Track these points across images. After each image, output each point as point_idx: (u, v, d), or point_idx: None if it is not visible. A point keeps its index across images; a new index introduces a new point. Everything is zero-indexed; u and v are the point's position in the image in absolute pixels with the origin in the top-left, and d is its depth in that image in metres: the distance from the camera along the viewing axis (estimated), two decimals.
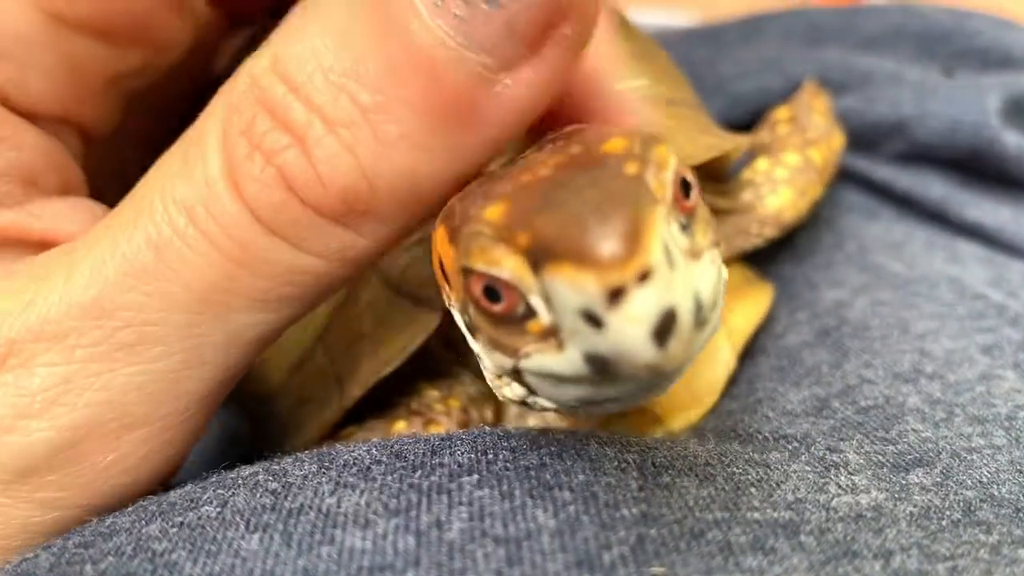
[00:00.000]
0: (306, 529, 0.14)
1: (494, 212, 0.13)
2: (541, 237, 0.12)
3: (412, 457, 0.16)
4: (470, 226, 0.13)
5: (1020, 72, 0.34)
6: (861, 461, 0.17)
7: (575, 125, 0.15)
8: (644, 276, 0.11)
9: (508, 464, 0.15)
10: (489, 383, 0.16)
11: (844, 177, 0.32)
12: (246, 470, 0.16)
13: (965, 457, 0.18)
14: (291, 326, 0.19)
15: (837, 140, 0.29)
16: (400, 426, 0.22)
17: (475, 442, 0.16)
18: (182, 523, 0.15)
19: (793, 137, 0.28)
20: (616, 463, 0.15)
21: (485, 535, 0.14)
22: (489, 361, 0.15)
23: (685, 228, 0.13)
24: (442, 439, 0.17)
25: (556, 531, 0.14)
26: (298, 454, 0.17)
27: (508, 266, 0.12)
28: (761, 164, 0.27)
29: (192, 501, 0.15)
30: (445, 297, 0.16)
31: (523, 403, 0.15)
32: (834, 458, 0.17)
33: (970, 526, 0.15)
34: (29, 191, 0.17)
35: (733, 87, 0.32)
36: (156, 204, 0.14)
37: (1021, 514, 0.16)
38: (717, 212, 0.26)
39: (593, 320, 0.12)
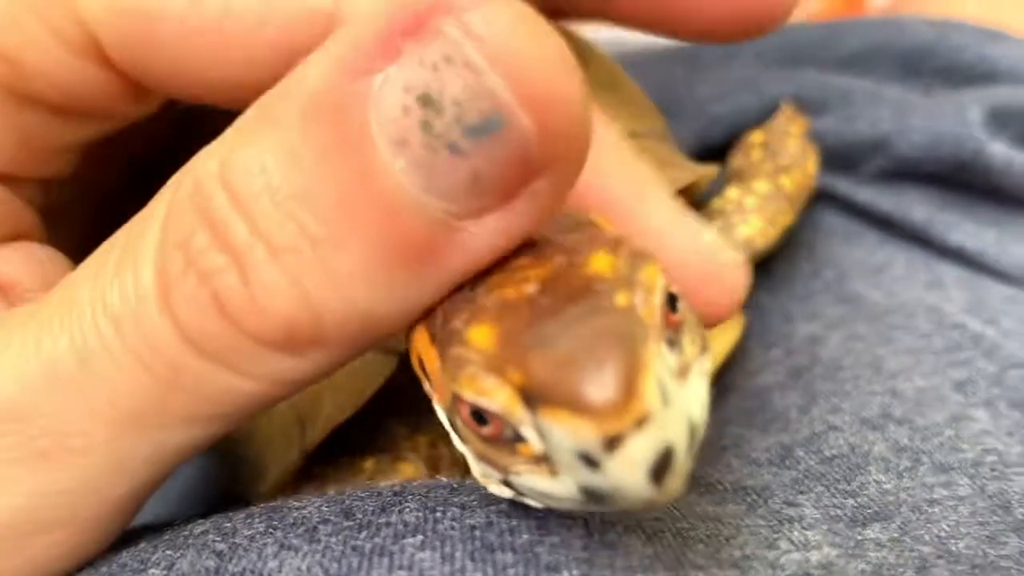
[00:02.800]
0: None
1: (481, 337, 0.13)
2: (536, 379, 0.12)
3: (360, 515, 0.16)
4: (456, 347, 0.13)
5: (1001, 86, 0.33)
6: (817, 515, 0.17)
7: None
8: (641, 421, 0.11)
9: (454, 524, 0.15)
10: (475, 477, 0.16)
11: (825, 199, 0.31)
12: (198, 527, 0.16)
13: (926, 510, 0.17)
14: None
15: (811, 164, 0.28)
16: (368, 464, 0.22)
17: (426, 498, 0.16)
18: None
19: (765, 164, 0.28)
20: (564, 519, 0.15)
21: None
22: (477, 467, 0.15)
23: (673, 344, 0.13)
24: (395, 494, 0.17)
25: None
26: (251, 509, 0.17)
27: (499, 399, 0.12)
28: (732, 192, 0.27)
29: (141, 563, 0.15)
30: (427, 392, 0.15)
31: (511, 501, 0.15)
32: (790, 512, 0.17)
33: None
34: None
35: (710, 108, 0.32)
36: (85, 308, 0.14)
37: (976, 570, 0.16)
38: None
39: (590, 461, 0.12)
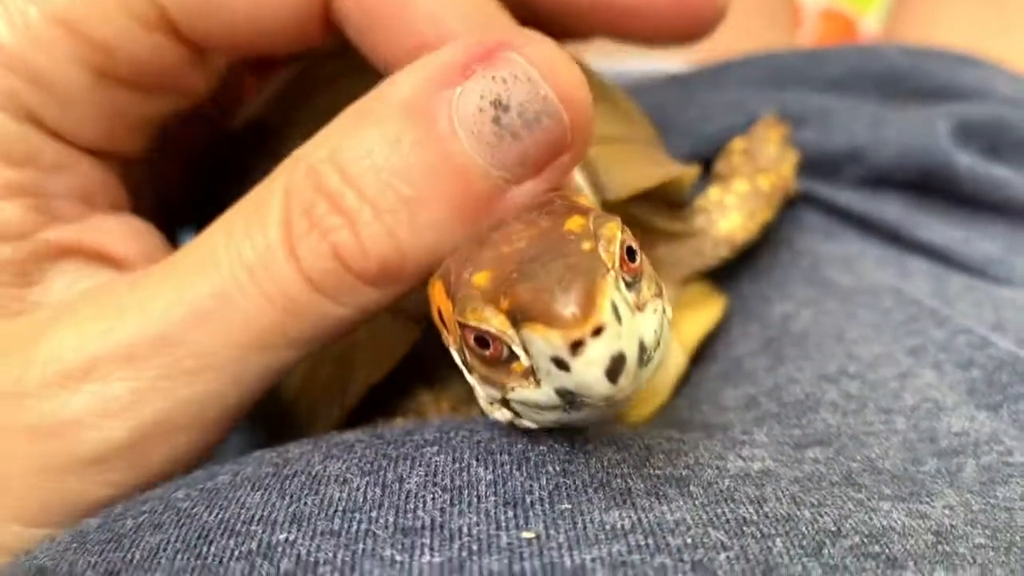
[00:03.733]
0: (297, 487, 0.18)
1: (481, 279, 0.17)
2: (519, 302, 0.16)
3: (389, 436, 0.20)
4: (464, 290, 0.17)
5: (969, 102, 0.37)
6: (766, 440, 0.20)
7: (547, 195, 0.19)
8: (598, 331, 0.15)
9: (464, 439, 0.19)
10: (482, 407, 0.20)
11: (807, 201, 0.35)
12: (257, 452, 0.20)
13: (862, 439, 0.21)
14: None
15: (787, 167, 0.32)
16: (398, 423, 0.26)
17: (442, 425, 0.20)
18: (202, 488, 0.19)
19: (745, 166, 0.31)
20: (551, 440, 0.19)
21: (436, 485, 0.17)
22: (482, 392, 0.19)
23: (631, 286, 0.17)
24: (417, 424, 0.21)
25: (492, 482, 0.17)
26: (300, 440, 0.21)
27: (494, 323, 0.16)
28: (713, 193, 0.30)
29: (211, 474, 0.19)
30: (444, 339, 0.20)
31: (511, 424, 0.19)
32: (743, 438, 0.20)
33: (845, 486, 0.18)
34: (86, 209, 0.22)
35: (700, 128, 0.36)
36: (222, 261, 0.19)
37: (896, 480, 0.19)
38: (675, 235, 0.29)
39: (561, 364, 0.16)
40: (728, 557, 0.16)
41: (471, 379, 0.19)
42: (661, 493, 0.17)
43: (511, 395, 0.17)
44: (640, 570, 0.15)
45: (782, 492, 0.18)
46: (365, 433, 0.20)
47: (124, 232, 0.22)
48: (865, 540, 0.17)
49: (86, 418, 0.19)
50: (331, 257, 0.18)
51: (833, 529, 0.17)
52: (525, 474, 0.17)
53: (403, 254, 0.18)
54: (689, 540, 0.16)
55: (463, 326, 0.17)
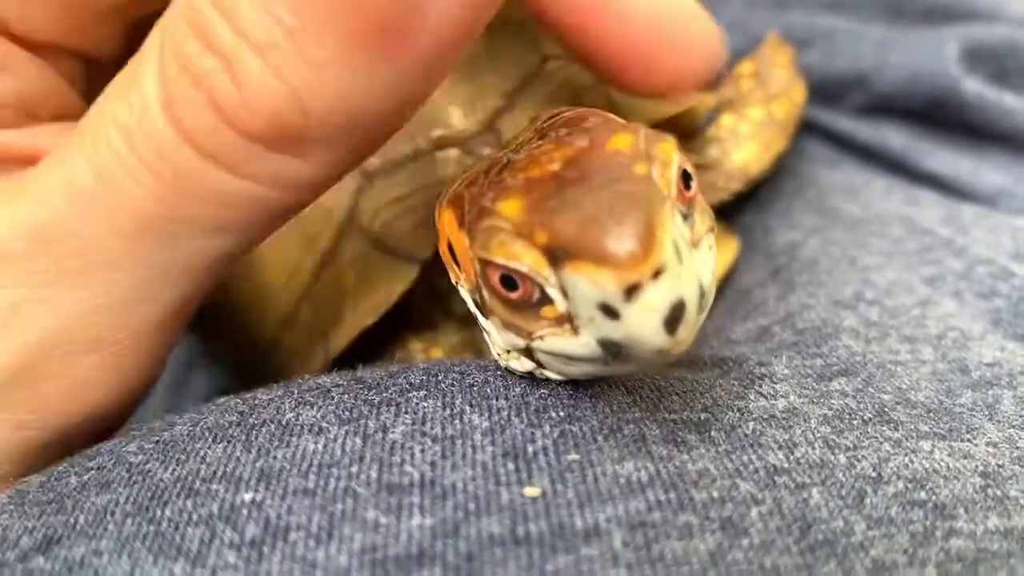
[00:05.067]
0: (265, 438, 0.16)
1: (510, 208, 0.14)
2: (561, 237, 0.13)
3: (370, 380, 0.17)
4: (487, 220, 0.14)
5: (980, 23, 0.34)
6: (787, 372, 0.18)
7: (571, 111, 0.16)
8: (657, 273, 0.13)
9: (455, 382, 0.17)
10: (495, 355, 0.17)
11: (807, 129, 0.33)
12: (221, 399, 0.18)
13: (890, 368, 0.19)
14: (267, 272, 0.20)
15: (799, 93, 0.30)
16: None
17: (429, 367, 0.18)
18: (157, 441, 0.16)
19: (756, 92, 0.29)
20: (553, 381, 0.17)
21: (424, 435, 0.15)
22: (500, 339, 0.16)
23: (686, 218, 0.14)
24: (401, 366, 0.18)
25: (488, 430, 0.15)
26: (269, 384, 0.18)
27: (527, 260, 0.14)
28: (726, 120, 0.28)
29: (169, 424, 0.17)
30: (452, 277, 0.17)
31: (529, 374, 0.17)
32: (761, 371, 0.18)
33: (879, 424, 0.17)
34: (24, 117, 0.18)
35: None
36: (99, 128, 0.15)
37: (932, 414, 0.17)
38: None
39: (609, 311, 0.13)
40: (760, 512, 0.14)
41: (486, 324, 0.16)
42: (680, 440, 0.15)
43: (538, 344, 0.15)
44: (662, 530, 0.13)
45: (813, 434, 0.16)
46: (343, 377, 0.18)
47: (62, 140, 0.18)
48: (909, 486, 0.15)
49: None
50: (208, 110, 0.14)
51: (873, 475, 0.15)
52: (526, 421, 0.15)
53: (300, 104, 0.14)
54: (716, 494, 0.14)
55: (485, 263, 0.14)
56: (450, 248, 0.16)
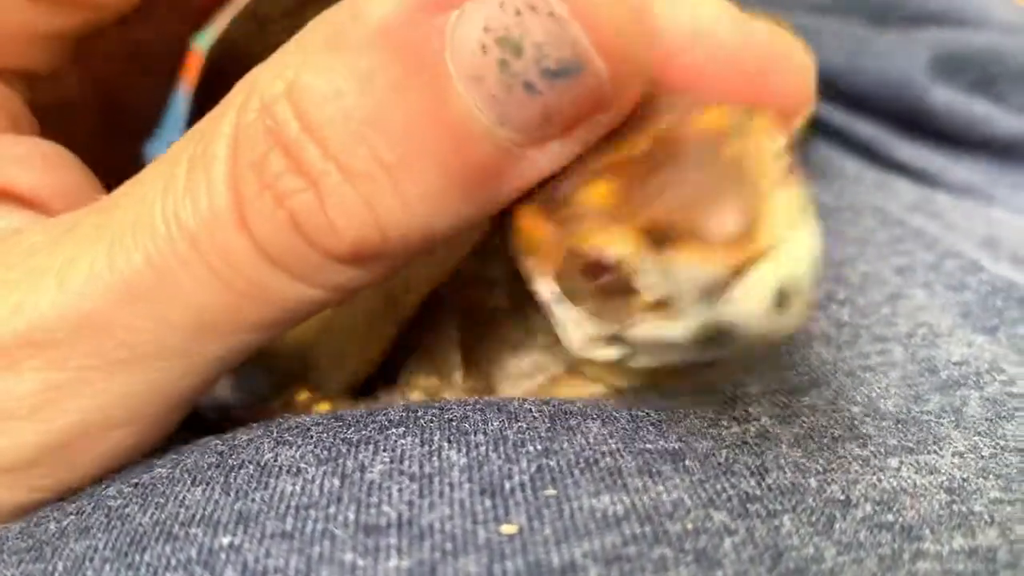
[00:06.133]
0: (244, 480, 0.16)
1: (600, 192, 0.13)
2: (661, 218, 0.13)
3: (349, 418, 0.18)
4: (575, 206, 0.14)
5: (964, 29, 0.35)
6: (760, 390, 0.18)
7: (648, 93, 0.15)
8: (766, 251, 0.12)
9: (434, 418, 0.17)
10: (571, 349, 0.16)
11: None
12: (202, 439, 0.18)
13: (859, 375, 0.19)
14: None
15: None
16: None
17: (408, 406, 0.18)
18: (136, 483, 0.16)
19: None
20: (531, 414, 0.17)
21: (402, 473, 0.15)
22: (587, 329, 0.15)
23: (787, 193, 0.14)
24: (382, 405, 0.18)
25: (466, 467, 0.15)
26: (250, 423, 0.18)
27: (621, 246, 0.13)
28: None
29: (148, 466, 0.17)
30: (528, 272, 0.16)
31: (618, 363, 0.16)
32: (736, 392, 0.18)
33: (849, 441, 0.17)
34: None
35: None
36: (158, 223, 0.14)
37: (900, 425, 0.18)
38: None
39: (715, 294, 0.13)
40: (734, 543, 0.14)
41: (569, 315, 0.16)
42: (655, 471, 0.15)
43: (632, 332, 0.14)
44: (637, 564, 0.13)
45: (784, 459, 0.16)
46: (323, 415, 0.18)
47: (32, 159, 0.18)
48: (877, 508, 0.15)
49: None
50: (289, 229, 0.14)
51: (842, 498, 0.15)
52: (503, 456, 0.16)
53: (385, 232, 0.14)
54: (690, 526, 0.14)
55: (574, 251, 0.14)
56: (527, 242, 0.16)
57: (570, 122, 0.13)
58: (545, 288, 0.16)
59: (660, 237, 0.13)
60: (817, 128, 0.32)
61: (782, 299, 0.13)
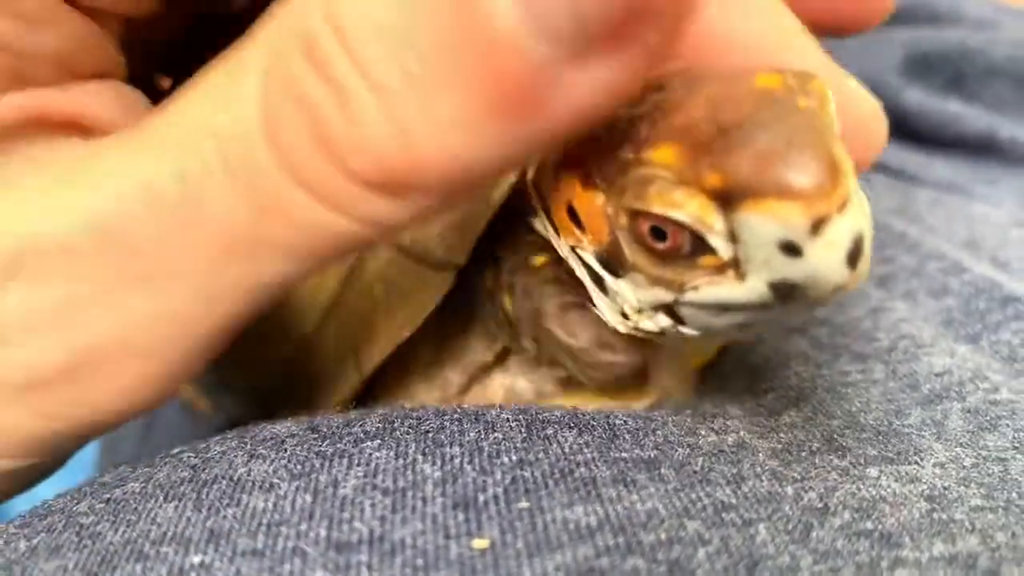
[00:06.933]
0: (216, 496, 0.15)
1: (666, 155, 0.13)
2: (737, 176, 0.13)
3: (325, 429, 0.17)
4: (639, 169, 0.14)
5: (936, 27, 0.35)
6: (739, 412, 0.18)
7: (676, 67, 0.15)
8: (843, 205, 0.13)
9: (410, 429, 0.17)
10: (611, 321, 0.17)
11: None
12: (175, 450, 0.18)
13: (840, 391, 0.19)
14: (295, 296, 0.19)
15: None
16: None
17: (386, 414, 0.18)
18: (108, 499, 0.16)
19: None
20: (508, 423, 0.17)
21: (376, 488, 0.15)
22: (636, 297, 0.15)
23: None
24: (360, 413, 0.18)
25: (440, 480, 0.15)
26: (225, 432, 0.18)
27: (690, 208, 0.13)
28: None
29: (120, 480, 0.17)
30: (568, 244, 0.16)
31: (660, 333, 0.16)
32: (715, 411, 0.18)
33: (827, 452, 0.17)
34: (62, 73, 0.17)
35: None
36: (189, 131, 0.14)
37: (880, 436, 0.17)
38: None
39: (791, 250, 0.13)
40: (708, 552, 0.14)
41: (616, 285, 0.16)
42: (629, 480, 0.15)
43: (691, 296, 0.14)
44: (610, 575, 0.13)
45: (761, 467, 0.16)
46: (298, 425, 0.18)
47: (107, 100, 0.17)
48: (856, 516, 0.15)
49: (11, 330, 0.15)
50: (312, 139, 0.13)
51: (820, 506, 0.15)
52: (478, 468, 0.15)
53: (414, 155, 0.13)
54: (663, 536, 0.14)
55: (638, 215, 0.14)
56: (573, 213, 0.15)
57: (608, 33, 0.12)
58: (590, 261, 0.16)
59: (736, 194, 0.13)
60: None
61: (856, 252, 0.13)
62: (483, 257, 0.20)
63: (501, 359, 0.22)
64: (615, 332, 0.17)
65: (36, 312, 0.15)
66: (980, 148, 0.32)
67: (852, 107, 0.17)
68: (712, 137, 0.13)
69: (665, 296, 0.15)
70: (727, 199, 0.13)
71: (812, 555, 0.14)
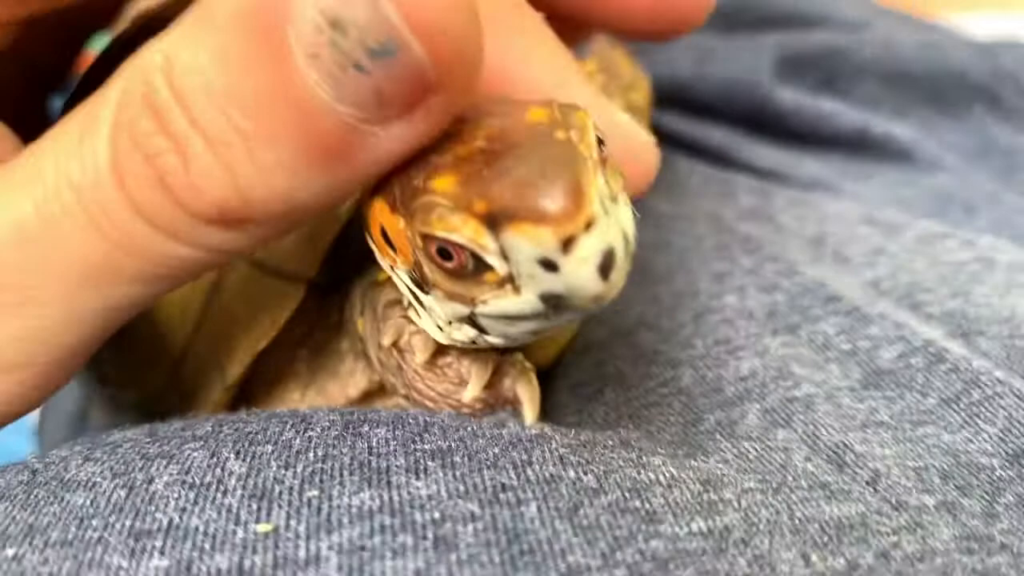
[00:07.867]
0: (43, 496, 0.17)
1: (445, 183, 0.15)
2: (499, 203, 0.15)
3: (161, 433, 0.19)
4: (423, 197, 0.15)
5: (809, 29, 0.36)
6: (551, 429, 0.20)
7: (470, 104, 0.16)
8: (589, 225, 0.14)
9: (233, 431, 0.18)
10: (432, 333, 0.19)
11: None
12: (29, 455, 0.19)
13: (642, 414, 0.20)
14: (161, 308, 0.22)
15: (646, 80, 0.31)
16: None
17: (219, 420, 0.19)
18: None
19: (610, 84, 0.30)
20: (325, 422, 0.18)
21: (184, 484, 0.16)
22: (442, 311, 0.17)
23: (604, 176, 0.16)
24: (199, 419, 0.20)
25: (243, 475, 0.17)
26: (78, 439, 0.20)
27: (466, 231, 0.15)
28: None
29: None
30: (387, 263, 0.18)
31: (472, 343, 0.18)
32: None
33: (620, 448, 0.18)
34: None
35: None
36: (49, 176, 0.16)
37: (671, 445, 0.19)
38: None
39: (549, 266, 0.15)
40: (475, 528, 0.15)
41: (427, 300, 0.18)
42: (422, 468, 0.17)
43: (482, 309, 0.16)
44: (378, 552, 0.15)
45: (551, 454, 0.17)
46: (141, 431, 0.19)
47: None
48: (626, 495, 0.16)
49: None
50: (158, 187, 0.15)
51: (595, 487, 0.17)
52: (283, 463, 0.17)
53: (245, 197, 0.15)
54: (437, 515, 0.15)
55: (426, 237, 0.16)
56: (384, 235, 0.17)
57: (403, 103, 0.14)
58: (405, 280, 0.18)
59: (499, 218, 0.15)
60: (667, 138, 0.33)
61: (605, 266, 0.15)
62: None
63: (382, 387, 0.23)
64: (450, 347, 0.19)
65: None
66: (854, 144, 0.34)
67: (626, 139, 0.19)
68: (483, 167, 0.15)
69: (463, 309, 0.17)
70: (494, 223, 0.15)
71: (575, 529, 0.16)
